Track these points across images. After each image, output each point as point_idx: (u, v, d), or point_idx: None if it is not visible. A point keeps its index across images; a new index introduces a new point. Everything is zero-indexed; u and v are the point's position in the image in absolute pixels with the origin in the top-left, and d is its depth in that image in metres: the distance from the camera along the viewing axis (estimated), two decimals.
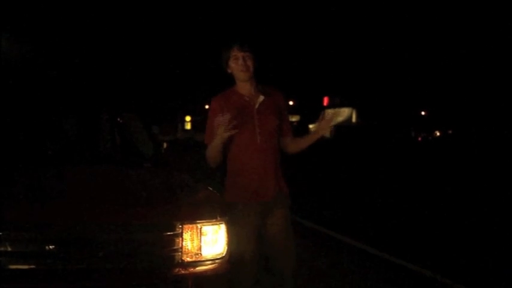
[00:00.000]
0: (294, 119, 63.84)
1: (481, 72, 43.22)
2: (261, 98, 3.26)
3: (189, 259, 2.99)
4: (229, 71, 3.29)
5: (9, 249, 2.75)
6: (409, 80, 46.60)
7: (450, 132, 49.85)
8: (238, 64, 3.20)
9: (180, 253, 2.98)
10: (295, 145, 3.43)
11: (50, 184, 3.28)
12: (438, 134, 52.20)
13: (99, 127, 4.45)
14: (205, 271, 3.02)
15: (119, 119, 4.56)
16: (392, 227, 7.80)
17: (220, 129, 3.04)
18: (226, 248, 3.11)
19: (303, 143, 3.40)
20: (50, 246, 2.77)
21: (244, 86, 3.28)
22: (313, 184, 13.01)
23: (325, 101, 50.53)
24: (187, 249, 2.99)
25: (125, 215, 2.96)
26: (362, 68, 46.76)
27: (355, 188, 12.60)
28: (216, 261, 3.07)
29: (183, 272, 2.96)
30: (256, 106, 3.25)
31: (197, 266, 3.01)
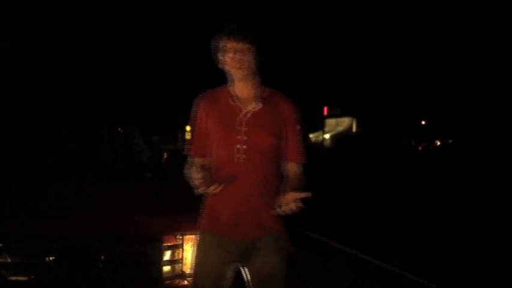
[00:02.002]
0: None
1: (482, 81, 43.31)
2: (255, 105, 2.46)
3: (189, 270, 2.98)
4: (221, 67, 2.49)
5: (9, 260, 2.75)
6: (409, 89, 46.70)
7: (450, 141, 49.85)
8: (231, 59, 2.41)
9: (180, 264, 2.97)
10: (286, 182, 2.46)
11: (49, 195, 3.27)
12: (438, 143, 52.20)
13: (99, 137, 4.45)
14: None
15: (119, 129, 4.57)
16: (391, 235, 7.78)
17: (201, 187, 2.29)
18: None
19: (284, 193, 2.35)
20: (50, 258, 2.77)
21: (239, 87, 2.48)
22: (312, 192, 12.97)
23: (325, 110, 50.62)
24: (188, 260, 2.98)
25: (124, 226, 2.95)
26: (362, 78, 46.87)
27: (354, 197, 12.58)
28: None
29: (183, 283, 2.96)
30: (246, 115, 2.44)
31: None
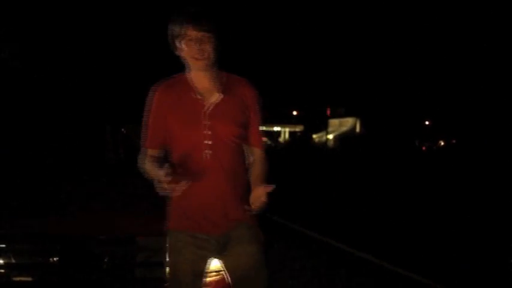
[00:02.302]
0: (298, 129, 64.01)
1: (485, 81, 43.24)
2: (217, 96, 2.33)
3: None
4: (177, 53, 2.36)
5: (12, 260, 2.75)
6: (413, 90, 46.67)
7: (454, 141, 49.80)
8: (191, 48, 2.27)
9: None
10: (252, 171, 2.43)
11: (52, 196, 3.27)
12: (442, 143, 52.14)
13: (102, 138, 4.46)
14: (210, 283, 3.00)
15: (122, 130, 4.57)
16: (392, 235, 7.77)
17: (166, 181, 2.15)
18: None
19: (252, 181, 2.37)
20: (53, 258, 2.77)
21: (198, 77, 2.35)
22: (312, 191, 12.97)
23: (328, 110, 50.57)
24: None
25: (128, 226, 2.96)
26: (366, 78, 46.86)
27: (357, 196, 12.57)
28: (220, 272, 3.05)
29: None
30: (209, 108, 2.32)
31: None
